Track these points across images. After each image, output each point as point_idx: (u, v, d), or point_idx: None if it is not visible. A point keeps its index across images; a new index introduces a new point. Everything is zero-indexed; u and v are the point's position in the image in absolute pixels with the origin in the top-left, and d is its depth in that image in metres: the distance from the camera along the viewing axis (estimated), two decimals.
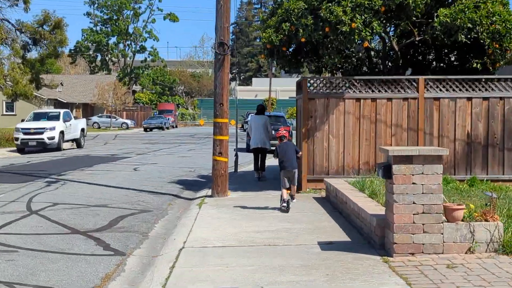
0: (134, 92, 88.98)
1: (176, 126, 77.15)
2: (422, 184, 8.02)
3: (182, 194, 15.86)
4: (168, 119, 71.53)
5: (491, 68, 15.51)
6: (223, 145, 14.42)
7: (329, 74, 17.73)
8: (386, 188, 8.41)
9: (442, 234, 8.03)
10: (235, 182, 17.11)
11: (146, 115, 76.84)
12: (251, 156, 28.03)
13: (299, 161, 13.75)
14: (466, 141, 14.62)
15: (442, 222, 8.04)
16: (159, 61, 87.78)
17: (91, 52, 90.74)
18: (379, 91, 14.79)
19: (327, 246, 8.84)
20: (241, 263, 7.91)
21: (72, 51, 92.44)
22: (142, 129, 66.77)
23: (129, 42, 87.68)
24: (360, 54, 15.40)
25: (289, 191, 12.22)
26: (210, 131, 60.40)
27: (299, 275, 7.32)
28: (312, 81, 15.00)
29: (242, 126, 57.71)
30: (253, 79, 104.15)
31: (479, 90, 14.58)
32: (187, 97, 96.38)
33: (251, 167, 22.31)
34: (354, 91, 14.85)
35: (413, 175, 8.03)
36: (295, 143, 15.56)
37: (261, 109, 18.66)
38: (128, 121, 72.00)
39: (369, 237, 9.11)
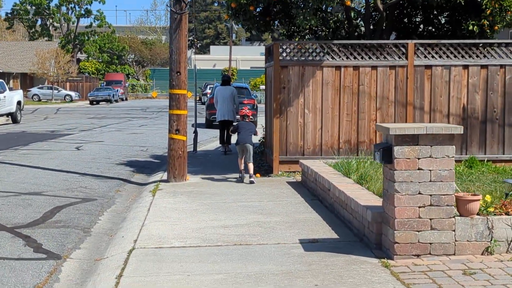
0: (78, 60, 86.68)
1: (126, 99, 75.40)
2: (430, 170, 7.04)
3: (132, 178, 14.71)
4: (117, 90, 69.76)
5: (488, 31, 14.64)
6: (181, 121, 13.29)
7: (302, 40, 16.65)
8: (384, 175, 7.41)
9: (454, 231, 7.08)
10: (195, 163, 16.02)
11: (92, 87, 74.88)
12: (211, 132, 27.00)
13: (268, 140, 13.41)
14: (462, 116, 13.74)
15: (453, 217, 7.08)
16: (106, 26, 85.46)
17: (30, 16, 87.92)
18: (362, 57, 13.79)
19: (311, 245, 7.83)
20: (207, 270, 6.85)
21: (9, 14, 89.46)
22: (88, 102, 64.97)
23: (72, 5, 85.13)
24: (339, 15, 14.36)
25: (244, 164, 13.45)
26: (164, 104, 58.93)
27: (280, 286, 6.28)
28: (285, 46, 13.91)
29: (200, 99, 56.42)
30: (211, 47, 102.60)
31: (477, 56, 13.68)
32: (138, 67, 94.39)
33: (212, 145, 21.24)
34: (333, 58, 13.82)
35: (419, 158, 7.05)
36: (264, 119, 15.56)
37: (227, 80, 19.00)
38: (72, 93, 70.00)
39: (361, 234, 8.13)
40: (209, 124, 29.26)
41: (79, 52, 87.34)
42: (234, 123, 15.45)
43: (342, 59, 13.80)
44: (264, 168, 15.06)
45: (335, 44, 13.84)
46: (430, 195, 7.04)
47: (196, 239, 8.24)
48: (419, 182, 7.04)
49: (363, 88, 13.78)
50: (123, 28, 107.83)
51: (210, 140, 24.13)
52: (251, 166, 13.23)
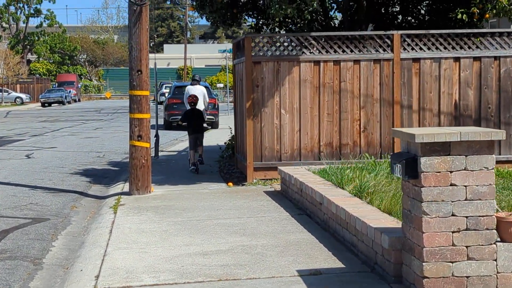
0: (29, 62, 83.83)
1: (79, 100, 73.04)
2: (465, 186, 5.65)
3: (89, 191, 13.08)
4: (70, 92, 67.40)
5: (476, 21, 13.40)
6: (144, 125, 11.72)
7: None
8: (405, 192, 5.99)
9: (496, 260, 5.70)
10: (158, 171, 14.45)
11: (44, 88, 72.30)
12: (171, 135, 25.40)
13: (239, 144, 12.13)
14: (454, 114, 12.45)
15: (495, 243, 5.70)
16: (57, 26, 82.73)
17: None
18: (343, 51, 12.40)
19: (314, 278, 6.38)
20: None
21: None
22: (40, 104, 62.52)
23: (21, 5, 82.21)
24: (315, 4, 12.93)
25: (197, 153, 14.60)
26: (119, 104, 56.83)
27: None
28: (257, 40, 12.44)
29: (154, 99, 54.49)
30: (165, 46, 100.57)
31: (469, 48, 12.40)
32: (91, 67, 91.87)
33: (174, 149, 19.67)
34: (311, 52, 12.40)
35: (451, 172, 5.65)
36: (234, 120, 14.72)
37: (197, 79, 19.60)
38: (23, 95, 67.41)
39: (371, 261, 6.71)
40: (168, 126, 27.65)
41: (29, 53, 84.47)
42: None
43: (321, 53, 12.39)
44: (235, 175, 13.58)
45: (313, 36, 12.41)
46: (466, 217, 5.65)
47: (171, 272, 6.72)
48: (452, 202, 5.64)
49: (345, 85, 12.39)
50: (74, 28, 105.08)
51: (171, 143, 22.57)
52: (201, 148, 14.81)
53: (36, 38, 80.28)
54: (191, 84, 19.26)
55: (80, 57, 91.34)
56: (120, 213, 10.06)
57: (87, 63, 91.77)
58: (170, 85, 41.53)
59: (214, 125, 28.71)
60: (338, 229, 7.89)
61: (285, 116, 12.38)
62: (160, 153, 17.90)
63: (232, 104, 25.19)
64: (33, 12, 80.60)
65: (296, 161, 12.39)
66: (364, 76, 12.39)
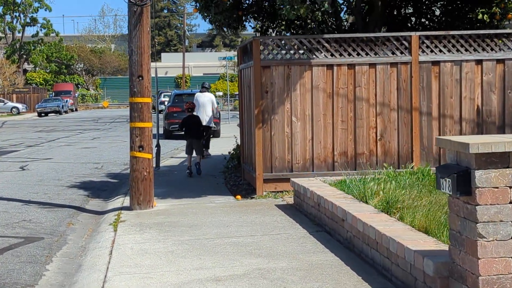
0: (25, 71, 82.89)
1: (76, 110, 72.12)
2: None
3: (87, 205, 12.24)
4: (66, 101, 66.47)
5: (497, 22, 12.65)
6: (145, 135, 10.89)
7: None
8: (453, 210, 5.17)
9: None
10: (160, 183, 13.61)
11: (40, 98, 71.40)
12: (171, 144, 24.56)
13: (246, 154, 11.50)
14: (476, 121, 11.65)
15: None
16: (53, 35, 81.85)
17: None
18: (358, 54, 11.60)
19: None
20: None
21: None
22: (36, 114, 61.64)
23: (17, 14, 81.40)
24: (326, 5, 12.14)
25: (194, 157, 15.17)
26: (116, 114, 55.94)
27: None
28: (266, 43, 11.63)
29: (154, 108, 53.66)
30: (162, 54, 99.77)
31: (491, 50, 11.61)
32: (88, 76, 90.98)
33: (176, 159, 18.85)
34: (324, 55, 11.61)
35: (511, 187, 4.83)
36: (240, 129, 14.30)
37: (206, 87, 19.62)
38: (19, 105, 66.43)
39: None
40: (168, 135, 26.82)
41: (25, 62, 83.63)
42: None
43: (334, 56, 11.59)
44: (243, 187, 12.76)
45: (326, 38, 11.61)
46: None
47: None
48: None
49: (360, 90, 11.58)
50: (71, 37, 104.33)
51: (171, 153, 21.74)
52: (199, 157, 15.22)
53: (33, 47, 79.40)
54: (200, 91, 19.32)
55: (77, 66, 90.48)
56: (121, 230, 9.23)
57: (84, 72, 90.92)
58: (169, 93, 40.70)
59: (216, 134, 27.85)
60: (365, 249, 7.06)
61: (296, 124, 11.57)
62: (161, 164, 17.07)
63: (235, 111, 24.50)
64: (29, 21, 79.82)
65: (308, 171, 11.58)
66: (380, 80, 11.58)
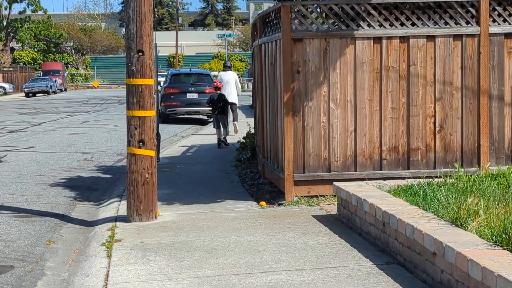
0: (12, 50, 79.97)
1: (66, 90, 69.40)
2: None
3: (73, 212, 9.88)
4: (55, 81, 63.77)
5: None
6: (147, 126, 8.51)
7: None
8: None
9: None
10: (163, 181, 11.27)
11: (28, 77, 68.66)
12: (169, 129, 22.05)
13: (270, 148, 10.26)
14: None
15: None
16: (41, 12, 78.76)
17: None
18: (413, 24, 9.24)
19: None
20: None
21: None
22: (24, 94, 58.98)
23: None
24: None
25: (222, 133, 16.70)
26: (107, 94, 53.34)
27: None
28: (299, 8, 9.24)
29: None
30: (154, 33, 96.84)
31: None
32: (78, 55, 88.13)
33: (176, 148, 16.54)
34: (370, 26, 9.23)
35: None
36: (254, 118, 13.28)
37: (229, 65, 20.85)
38: (6, 85, 63.72)
39: None
40: (165, 119, 24.44)
41: (13, 41, 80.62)
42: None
43: (384, 26, 9.23)
44: (265, 189, 10.45)
45: (373, 4, 9.23)
46: None
47: None
48: None
49: (415, 69, 9.23)
50: (61, 15, 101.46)
51: (170, 140, 19.39)
52: (225, 131, 16.91)
53: (20, 25, 76.40)
54: (223, 71, 20.28)
55: (67, 45, 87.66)
56: (117, 257, 6.87)
57: (73, 51, 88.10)
58: (164, 73, 38.19)
59: None
60: None
61: (335, 112, 9.22)
62: (161, 155, 14.71)
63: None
64: None
65: (350, 171, 9.26)
66: (440, 57, 9.23)
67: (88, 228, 8.78)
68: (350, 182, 8.53)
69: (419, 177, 8.88)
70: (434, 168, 9.27)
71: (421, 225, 5.84)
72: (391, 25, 9.23)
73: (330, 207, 8.77)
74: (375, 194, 7.41)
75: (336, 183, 8.29)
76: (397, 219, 6.22)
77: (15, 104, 44.11)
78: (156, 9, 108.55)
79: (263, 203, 9.31)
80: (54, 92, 61.50)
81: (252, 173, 11.98)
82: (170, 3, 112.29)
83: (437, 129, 9.30)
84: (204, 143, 17.81)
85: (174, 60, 73.79)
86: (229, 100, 18.33)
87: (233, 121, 19.36)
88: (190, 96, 24.68)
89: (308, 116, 9.22)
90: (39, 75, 69.61)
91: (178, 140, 19.16)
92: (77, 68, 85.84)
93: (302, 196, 9.28)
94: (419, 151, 9.31)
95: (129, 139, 8.56)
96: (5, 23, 76.47)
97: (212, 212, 8.96)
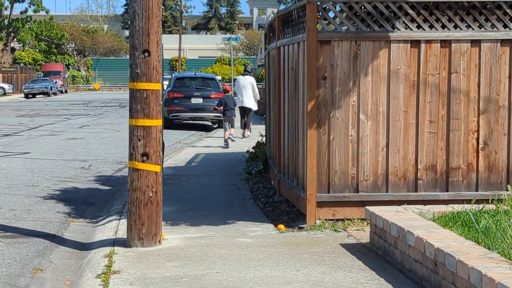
0: (13, 50, 78.90)
1: (66, 91, 68.32)
2: None
3: (67, 231, 8.75)
4: (56, 82, 62.68)
5: None
6: (152, 138, 7.41)
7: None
8: None
9: None
10: (167, 195, 10.11)
11: (28, 78, 67.52)
12: (171, 135, 20.93)
13: (287, 162, 9.02)
14: None
15: None
16: (43, 12, 77.58)
17: None
18: (456, 26, 8.12)
19: None
20: None
21: None
22: (23, 95, 57.85)
23: None
24: None
25: (229, 133, 17.82)
26: (108, 97, 52.19)
27: None
28: (327, 6, 8.13)
29: None
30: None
31: None
32: (79, 56, 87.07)
33: (181, 156, 15.49)
34: (407, 27, 8.13)
35: None
36: (266, 127, 13.20)
37: (250, 70, 21.41)
38: (5, 86, 62.56)
39: None
40: (168, 124, 23.30)
41: (14, 41, 79.49)
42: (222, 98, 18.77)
43: (423, 28, 8.11)
44: (281, 208, 9.33)
45: (411, 3, 8.11)
46: None
47: None
48: None
49: (457, 78, 8.12)
50: (63, 16, 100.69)
51: (174, 148, 18.27)
52: (233, 130, 18.08)
53: (21, 25, 75.31)
54: (243, 75, 20.84)
55: (68, 46, 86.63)
56: None
57: (75, 53, 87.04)
58: (168, 76, 37.07)
59: (221, 124, 24.37)
60: None
61: (365, 124, 8.10)
62: (164, 164, 13.56)
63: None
64: None
65: (381, 192, 8.14)
66: (486, 65, 8.12)
67: (82, 253, 7.66)
68: (384, 206, 7.41)
69: (460, 201, 7.85)
70: (476, 190, 8.17)
71: (490, 271, 4.72)
72: (431, 27, 8.11)
73: (360, 234, 7.66)
74: (419, 224, 6.28)
75: (370, 208, 7.16)
76: (457, 260, 5.10)
77: (13, 105, 42.99)
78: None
79: (281, 226, 8.18)
80: (54, 94, 60.42)
81: (265, 189, 10.87)
82: (174, 6, 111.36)
83: (480, 146, 8.18)
84: (210, 152, 16.70)
85: (177, 64, 72.69)
86: (246, 105, 19.61)
87: (244, 127, 20.10)
88: (194, 101, 23.57)
89: (334, 128, 8.10)
90: (39, 76, 68.49)
91: (182, 148, 18.05)
92: (79, 70, 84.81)
93: (325, 220, 8.16)
94: (460, 171, 8.19)
95: (131, 151, 7.44)
96: (6, 23, 75.37)
97: (223, 236, 7.83)
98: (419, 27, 8.11)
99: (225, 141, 17.62)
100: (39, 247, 7.79)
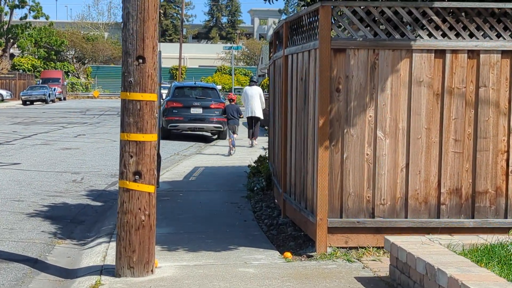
0: (12, 56, 78.11)
1: (65, 99, 67.42)
2: None
3: (50, 255, 7.90)
4: (54, 89, 61.74)
5: None
6: (146, 155, 6.57)
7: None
8: None
9: None
10: (162, 214, 9.35)
11: (27, 85, 66.63)
12: (170, 147, 20.15)
13: (295, 183, 8.19)
14: None
15: None
16: (43, 18, 76.71)
17: None
18: (485, 35, 7.32)
19: None
20: None
21: None
22: (21, 101, 56.97)
23: None
24: None
25: (232, 140, 18.56)
26: (107, 105, 51.38)
27: None
28: (342, 10, 7.32)
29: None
30: (158, 44, 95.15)
31: None
32: (79, 64, 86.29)
33: (179, 170, 14.66)
34: (431, 36, 7.33)
35: None
36: (269, 143, 12.80)
37: (254, 80, 21.72)
38: (4, 92, 61.64)
39: None
40: (166, 135, 22.49)
41: (13, 47, 78.68)
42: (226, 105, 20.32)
43: (448, 37, 7.31)
44: (287, 232, 8.52)
45: (435, 8, 7.31)
46: None
47: None
48: None
49: (485, 92, 7.31)
50: (64, 23, 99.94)
51: (172, 160, 17.44)
52: (235, 136, 18.68)
53: (20, 31, 74.51)
54: (249, 85, 21.22)
55: (68, 53, 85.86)
56: None
57: (75, 60, 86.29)
58: (166, 85, 36.26)
59: (221, 135, 23.59)
60: None
61: (383, 142, 7.28)
62: (161, 179, 12.76)
63: (242, 108, 20.47)
64: (17, 3, 74.94)
65: (399, 217, 7.31)
66: None
67: (65, 281, 6.82)
68: (405, 236, 6.64)
69: (487, 229, 7.06)
70: (505, 217, 7.35)
71: None
72: (458, 35, 7.31)
73: (376, 265, 6.82)
74: (450, 260, 5.46)
75: (389, 238, 6.33)
76: None
77: (10, 112, 42.13)
78: (160, 20, 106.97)
79: (288, 254, 7.34)
80: (53, 101, 59.55)
81: (269, 208, 10.04)
82: (175, 14, 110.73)
83: (510, 168, 7.37)
84: (209, 165, 15.87)
85: (177, 72, 71.90)
86: (255, 115, 20.13)
87: (252, 137, 20.61)
88: (194, 111, 22.75)
89: (348, 146, 7.28)
90: (38, 82, 67.64)
91: (180, 160, 17.21)
92: (78, 77, 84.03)
93: (337, 247, 7.33)
94: (487, 196, 7.37)
95: (122, 169, 6.61)
96: (5, 29, 74.61)
97: (224, 265, 6.99)
98: (444, 35, 7.31)
99: (230, 149, 18.41)
100: (18, 275, 6.95)
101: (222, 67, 77.38)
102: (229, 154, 18.21)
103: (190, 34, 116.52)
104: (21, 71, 73.42)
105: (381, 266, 6.75)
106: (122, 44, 6.61)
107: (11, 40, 75.30)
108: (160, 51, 13.60)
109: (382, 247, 7.20)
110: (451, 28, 7.31)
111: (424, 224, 7.28)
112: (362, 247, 7.31)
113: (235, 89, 39.16)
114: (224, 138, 23.39)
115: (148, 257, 6.61)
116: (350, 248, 7.34)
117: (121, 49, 6.66)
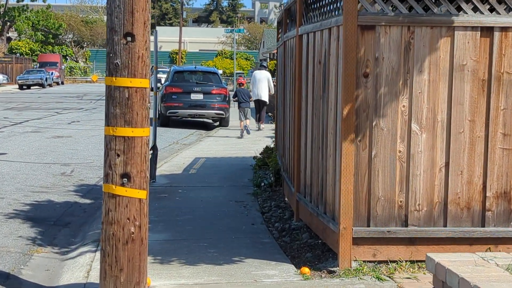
0: (9, 39, 76.76)
1: (62, 83, 66.17)
2: None
3: (26, 268, 6.77)
4: (51, 73, 60.52)
5: None
6: (135, 153, 5.41)
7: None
8: None
9: None
10: (157, 216, 8.22)
11: (24, 68, 65.40)
12: (169, 135, 18.92)
13: (310, 183, 6.89)
14: None
15: None
16: (41, 1, 75.42)
17: None
18: None
19: None
20: None
21: None
22: (17, 86, 55.76)
23: None
24: None
25: (244, 124, 18.84)
26: (104, 89, 51.05)
27: None
28: None
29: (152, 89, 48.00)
30: (158, 28, 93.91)
31: None
32: (77, 48, 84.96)
33: (179, 160, 13.53)
34: (477, 10, 6.15)
35: None
36: (276, 133, 11.52)
37: (265, 65, 22.14)
38: (0, 76, 60.53)
39: None
40: (165, 122, 21.33)
41: (9, 30, 77.31)
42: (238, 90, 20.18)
43: (498, 12, 6.13)
44: (302, 239, 7.37)
45: None
46: None
47: None
48: None
49: None
50: (62, 7, 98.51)
51: (170, 149, 16.30)
52: (248, 122, 19.00)
53: (18, 14, 73.12)
54: (258, 69, 21.22)
55: (66, 37, 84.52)
56: None
57: (73, 43, 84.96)
58: (165, 69, 35.02)
59: (223, 122, 22.42)
60: None
61: (418, 137, 6.12)
62: (158, 172, 11.63)
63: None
64: None
65: (437, 226, 6.18)
66: None
67: None
68: (452, 254, 5.51)
69: None
70: None
71: None
72: (508, 9, 6.14)
73: (413, 285, 5.69)
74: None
75: (434, 257, 5.18)
76: None
77: (4, 97, 40.88)
78: (160, 3, 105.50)
79: (306, 270, 6.19)
80: (50, 85, 58.33)
81: (279, 208, 8.90)
82: None
83: None
84: (210, 155, 14.73)
85: (177, 56, 70.65)
86: (261, 98, 20.06)
87: (259, 121, 20.67)
88: (194, 96, 21.57)
89: (377, 141, 6.13)
90: (35, 66, 66.37)
91: (179, 150, 16.06)
92: (76, 61, 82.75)
93: (364, 261, 6.19)
94: None
95: (108, 171, 5.47)
96: (2, 11, 73.22)
97: (230, 283, 5.86)
98: (492, 9, 6.13)
99: (242, 131, 18.75)
100: None
101: (223, 51, 76.10)
102: (241, 136, 18.62)
103: (190, 18, 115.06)
104: (18, 54, 72.13)
105: (418, 286, 5.62)
106: (107, 19, 5.43)
107: (8, 23, 73.93)
108: (156, 30, 12.38)
109: (417, 261, 6.10)
110: (500, 1, 6.13)
111: (467, 234, 6.15)
112: (392, 261, 6.18)
113: (237, 73, 37.96)
114: (226, 126, 22.28)
115: (138, 277, 5.46)
116: (379, 262, 6.20)
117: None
